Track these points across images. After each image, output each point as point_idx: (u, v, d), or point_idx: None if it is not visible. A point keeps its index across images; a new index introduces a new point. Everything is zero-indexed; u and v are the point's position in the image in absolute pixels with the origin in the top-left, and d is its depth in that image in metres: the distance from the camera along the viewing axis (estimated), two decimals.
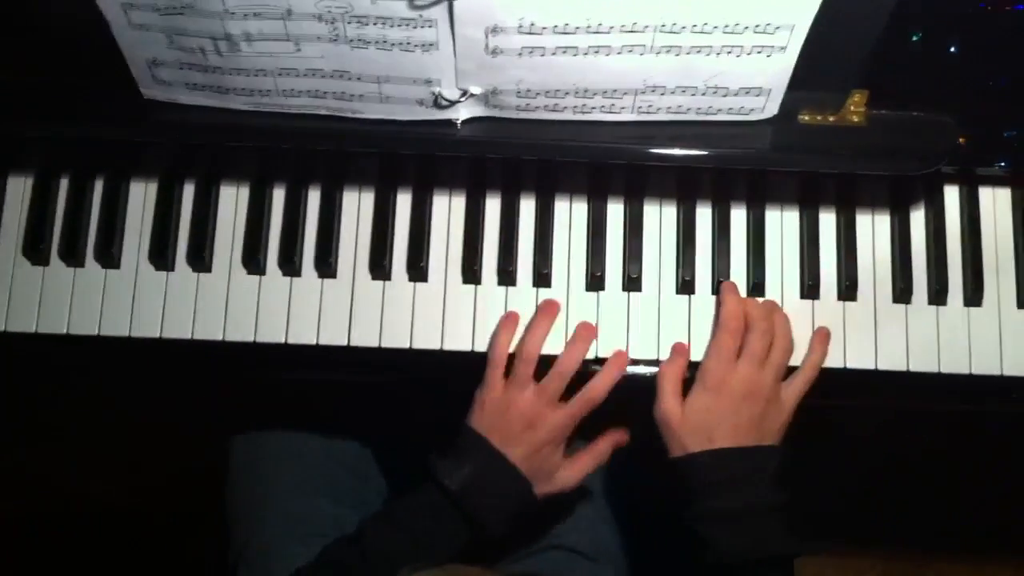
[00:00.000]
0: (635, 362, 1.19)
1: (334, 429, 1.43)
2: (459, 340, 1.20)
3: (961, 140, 1.11)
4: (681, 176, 1.22)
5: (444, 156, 1.19)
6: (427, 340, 1.19)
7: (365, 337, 1.19)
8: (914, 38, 1.10)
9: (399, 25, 0.95)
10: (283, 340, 1.19)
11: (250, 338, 1.19)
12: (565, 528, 1.33)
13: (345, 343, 1.19)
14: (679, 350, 1.17)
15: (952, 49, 1.11)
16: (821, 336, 1.17)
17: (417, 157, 1.21)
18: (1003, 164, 1.14)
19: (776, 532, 1.07)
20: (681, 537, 1.11)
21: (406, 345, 1.19)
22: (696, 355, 1.17)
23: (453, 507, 1.08)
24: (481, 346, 1.19)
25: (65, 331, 1.19)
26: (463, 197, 1.22)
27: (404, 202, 1.22)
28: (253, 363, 1.21)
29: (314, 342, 1.19)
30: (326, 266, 1.19)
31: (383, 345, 1.19)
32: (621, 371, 1.17)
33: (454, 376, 1.22)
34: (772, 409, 1.12)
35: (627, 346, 1.18)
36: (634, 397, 1.16)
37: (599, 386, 1.15)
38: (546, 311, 1.17)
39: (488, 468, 1.10)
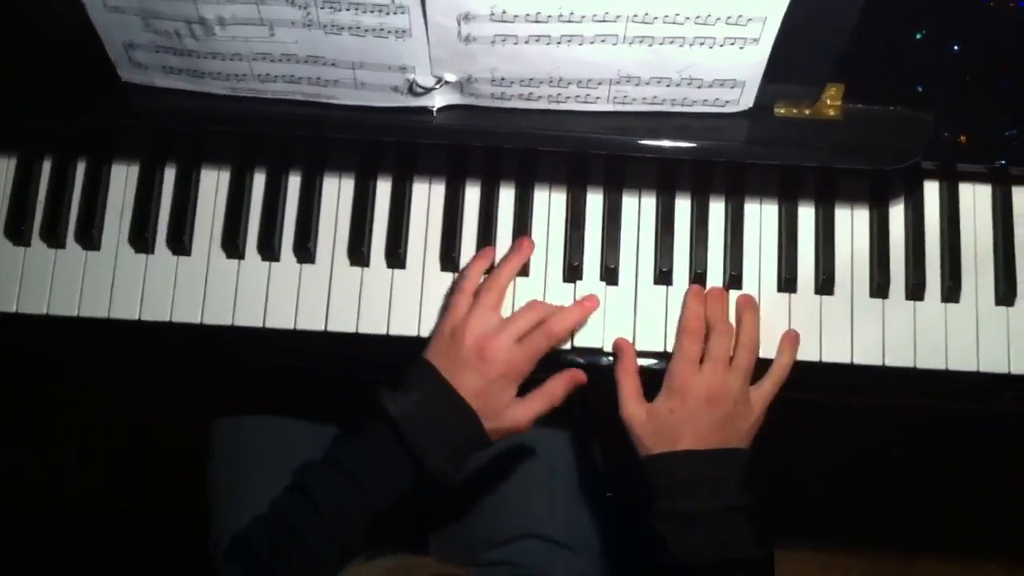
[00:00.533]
0: (610, 354, 1.18)
1: (315, 417, 1.43)
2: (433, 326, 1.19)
3: (962, 139, 1.11)
4: (660, 167, 1.23)
5: (423, 144, 1.20)
6: (405, 327, 1.20)
7: (342, 323, 1.20)
8: (918, 36, 1.09)
9: (371, 11, 0.95)
10: (260, 324, 1.20)
11: (228, 321, 1.20)
12: (540, 517, 1.33)
13: (322, 328, 1.20)
14: (621, 346, 1.17)
15: (924, 40, 1.11)
16: (790, 339, 1.17)
17: (396, 144, 1.22)
18: (1003, 162, 1.13)
19: (737, 535, 1.07)
20: (645, 534, 1.12)
21: (383, 331, 1.20)
22: (656, 346, 1.16)
23: (394, 438, 1.05)
24: None
25: (45, 312, 1.19)
26: (443, 185, 1.22)
27: (384, 189, 1.23)
28: (233, 347, 1.21)
29: (291, 327, 1.20)
30: (305, 251, 1.20)
31: (360, 331, 1.19)
32: (586, 314, 1.17)
33: None
34: (739, 411, 1.13)
35: (603, 338, 1.18)
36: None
37: (562, 320, 1.14)
38: (519, 250, 1.18)
39: (433, 396, 1.07)
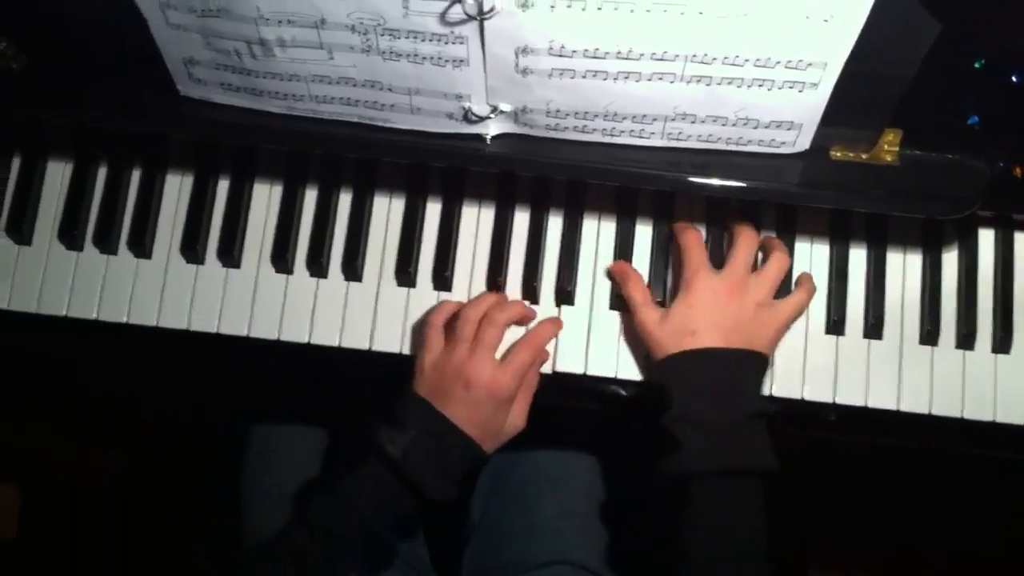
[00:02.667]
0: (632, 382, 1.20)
1: (349, 429, 1.43)
2: None
3: (1017, 171, 1.08)
4: (710, 202, 1.21)
5: (473, 170, 1.19)
6: None
7: (387, 342, 1.20)
8: (976, 64, 1.07)
9: (430, 40, 0.96)
10: (306, 340, 1.20)
11: (274, 336, 1.20)
12: (572, 543, 1.33)
13: (367, 347, 1.20)
14: (621, 268, 1.18)
15: (983, 85, 1.09)
16: (807, 276, 1.17)
17: (447, 169, 1.22)
18: None
19: (756, 444, 1.04)
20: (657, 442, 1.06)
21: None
22: None
23: (395, 474, 1.05)
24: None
25: (95, 317, 1.20)
26: (492, 210, 1.22)
27: (433, 211, 1.23)
28: (277, 361, 1.22)
29: (336, 344, 1.20)
30: (352, 269, 1.20)
31: (404, 352, 1.20)
32: (559, 327, 1.18)
33: None
34: (763, 315, 1.09)
35: (616, 366, 1.20)
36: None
37: (541, 332, 1.15)
38: (533, 318, 1.18)
39: (430, 430, 1.07)
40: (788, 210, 1.21)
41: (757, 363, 1.09)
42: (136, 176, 1.24)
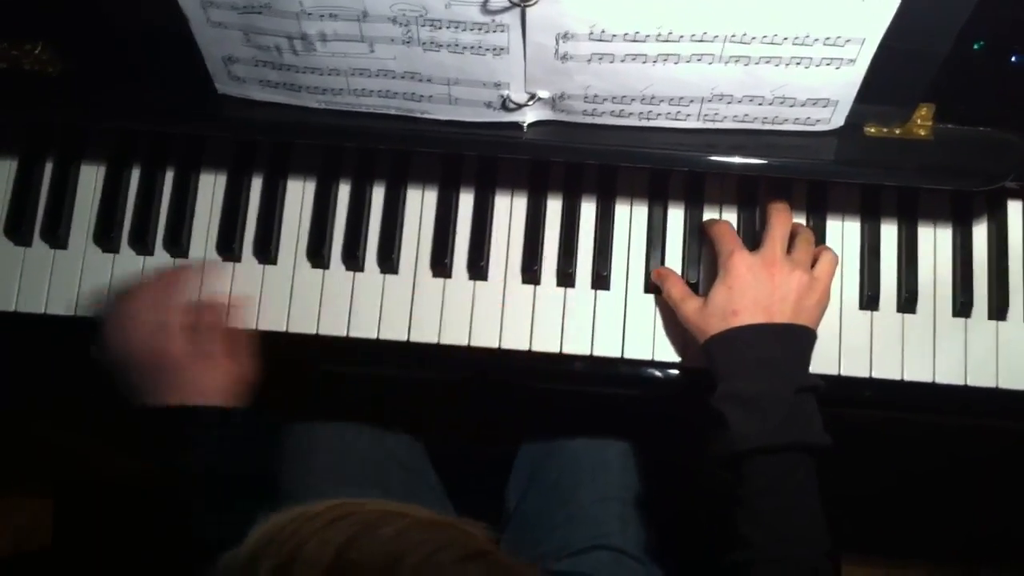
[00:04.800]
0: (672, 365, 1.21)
1: (386, 422, 1.44)
2: (517, 339, 1.21)
3: None
4: (741, 183, 1.22)
5: (506, 159, 1.20)
6: (486, 339, 1.20)
7: (424, 333, 1.21)
8: (975, 47, 1.08)
9: (471, 29, 0.96)
10: (344, 333, 1.21)
11: (312, 330, 1.21)
12: (611, 530, 1.34)
13: (405, 339, 1.21)
14: (660, 272, 1.19)
15: (1016, 63, 1.10)
16: (823, 246, 1.17)
17: (480, 158, 1.22)
18: None
19: (806, 419, 1.03)
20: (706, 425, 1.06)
21: (464, 343, 1.20)
22: None
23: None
24: (538, 345, 1.20)
25: None
26: (524, 198, 1.23)
27: (466, 202, 1.24)
28: (315, 355, 1.23)
29: (375, 336, 1.21)
30: (388, 262, 1.21)
31: (442, 342, 1.20)
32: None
33: (508, 374, 1.23)
34: (804, 284, 1.08)
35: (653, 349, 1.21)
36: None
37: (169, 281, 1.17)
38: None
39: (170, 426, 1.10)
40: (819, 188, 1.23)
41: (803, 336, 1.09)
42: (170, 176, 1.24)
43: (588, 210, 1.23)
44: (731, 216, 1.23)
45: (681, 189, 1.23)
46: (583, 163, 1.21)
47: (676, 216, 1.23)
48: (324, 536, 0.68)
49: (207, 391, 1.10)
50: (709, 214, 1.23)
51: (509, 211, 1.24)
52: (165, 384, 1.10)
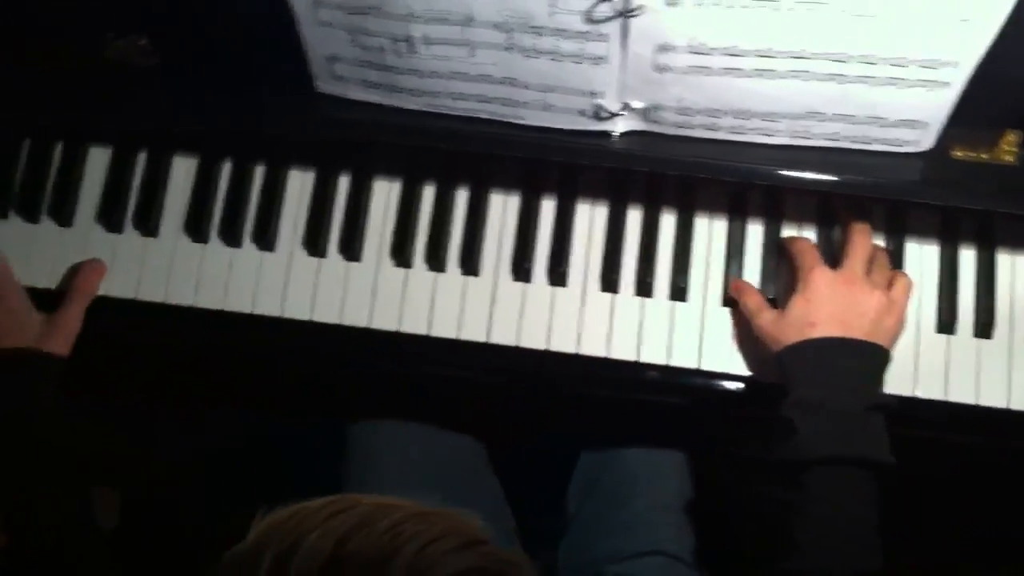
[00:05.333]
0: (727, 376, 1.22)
1: (449, 424, 1.45)
2: (593, 345, 1.22)
3: None
4: (821, 202, 1.24)
5: (588, 167, 1.22)
6: (564, 343, 1.22)
7: (503, 336, 1.23)
8: None
9: (573, 38, 0.99)
10: (426, 332, 1.23)
11: (394, 327, 1.23)
12: (667, 536, 1.35)
13: (484, 340, 1.23)
14: (737, 285, 1.20)
15: None
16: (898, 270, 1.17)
17: (563, 165, 1.24)
18: None
19: (875, 435, 1.04)
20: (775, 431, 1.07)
21: (542, 347, 1.22)
22: None
23: None
24: (615, 353, 1.21)
25: (220, 308, 1.24)
26: (606, 206, 1.25)
27: (548, 208, 1.26)
28: (393, 354, 1.25)
29: (455, 336, 1.23)
30: (471, 264, 1.23)
31: (521, 344, 1.22)
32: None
33: (583, 382, 1.25)
34: (882, 304, 1.09)
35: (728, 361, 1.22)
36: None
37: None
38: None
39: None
40: (898, 209, 1.23)
41: (878, 355, 1.10)
42: (260, 171, 1.27)
43: (668, 221, 1.25)
44: (809, 234, 1.24)
45: (761, 204, 1.24)
46: (665, 174, 1.22)
47: (755, 231, 1.24)
48: (324, 529, 0.71)
49: None
50: (788, 231, 1.24)
51: (590, 218, 1.25)
52: None
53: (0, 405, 1.11)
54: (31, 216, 1.28)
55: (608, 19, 0.95)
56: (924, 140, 1.06)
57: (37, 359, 1.16)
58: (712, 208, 1.25)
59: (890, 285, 1.14)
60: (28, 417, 1.14)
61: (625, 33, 0.97)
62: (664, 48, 0.98)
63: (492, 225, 1.25)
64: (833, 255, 1.21)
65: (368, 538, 0.72)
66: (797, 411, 1.06)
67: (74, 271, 1.22)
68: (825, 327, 1.09)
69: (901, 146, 1.07)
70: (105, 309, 1.25)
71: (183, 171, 1.29)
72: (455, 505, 1.30)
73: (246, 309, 1.25)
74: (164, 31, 1.12)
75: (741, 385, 1.23)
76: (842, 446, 1.05)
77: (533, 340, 1.23)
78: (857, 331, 1.09)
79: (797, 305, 1.12)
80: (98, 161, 1.29)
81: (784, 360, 1.11)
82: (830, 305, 1.10)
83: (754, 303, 1.16)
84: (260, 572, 0.70)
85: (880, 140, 1.06)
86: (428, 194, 1.27)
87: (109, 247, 1.27)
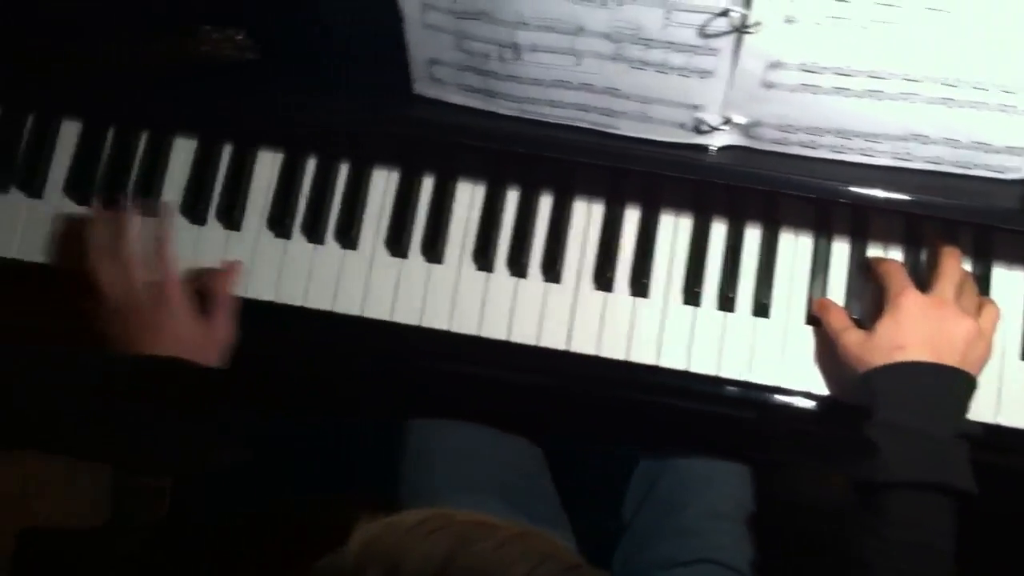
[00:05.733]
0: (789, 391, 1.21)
1: (508, 428, 1.45)
2: (674, 358, 1.22)
3: None
4: (909, 223, 1.22)
5: (672, 179, 1.21)
6: (644, 355, 1.22)
7: (583, 344, 1.23)
8: None
9: (682, 51, 0.98)
10: (505, 337, 1.22)
11: (474, 331, 1.23)
12: (721, 543, 1.34)
13: (564, 348, 1.22)
14: (821, 302, 1.19)
15: None
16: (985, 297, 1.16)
17: (648, 175, 1.23)
18: None
19: (959, 464, 1.02)
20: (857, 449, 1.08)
21: (623, 357, 1.22)
22: None
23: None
24: (696, 367, 1.21)
25: (301, 304, 1.24)
26: (690, 219, 1.25)
27: (632, 217, 1.25)
28: (471, 356, 1.25)
29: (534, 343, 1.22)
30: (553, 272, 1.23)
31: (601, 354, 1.22)
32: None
33: (662, 393, 1.24)
34: (972, 332, 1.08)
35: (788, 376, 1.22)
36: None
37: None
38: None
39: (131, 370, 1.14)
40: (986, 235, 1.22)
41: (966, 383, 1.09)
42: (344, 169, 1.27)
43: (752, 236, 1.24)
44: (896, 254, 1.23)
45: (848, 223, 1.23)
46: (751, 188, 1.21)
47: (841, 250, 1.23)
48: (425, 550, 0.70)
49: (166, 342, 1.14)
50: (874, 250, 1.23)
51: (673, 231, 1.25)
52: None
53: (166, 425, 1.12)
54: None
55: (722, 34, 0.94)
56: None
57: (189, 370, 1.14)
58: (797, 224, 1.24)
59: (978, 312, 1.12)
60: (195, 440, 1.14)
61: (737, 49, 0.96)
62: (775, 65, 0.97)
63: (575, 233, 1.25)
64: (919, 277, 1.19)
65: (472, 561, 0.71)
66: (884, 432, 1.05)
67: (211, 276, 1.21)
68: (915, 351, 1.08)
69: (1003, 172, 1.06)
70: None
71: (267, 166, 1.28)
72: (514, 511, 1.32)
73: (326, 306, 1.24)
74: (263, 25, 1.11)
75: (815, 403, 1.22)
76: (928, 471, 1.04)
77: (613, 350, 1.23)
78: (947, 357, 1.08)
79: (886, 327, 1.10)
80: (182, 153, 1.29)
81: (872, 381, 1.10)
82: (921, 330, 1.09)
83: (839, 322, 1.15)
84: None
85: (982, 166, 1.05)
86: (512, 199, 1.26)
87: (191, 240, 1.26)
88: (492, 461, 1.43)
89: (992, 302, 1.15)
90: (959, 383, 1.09)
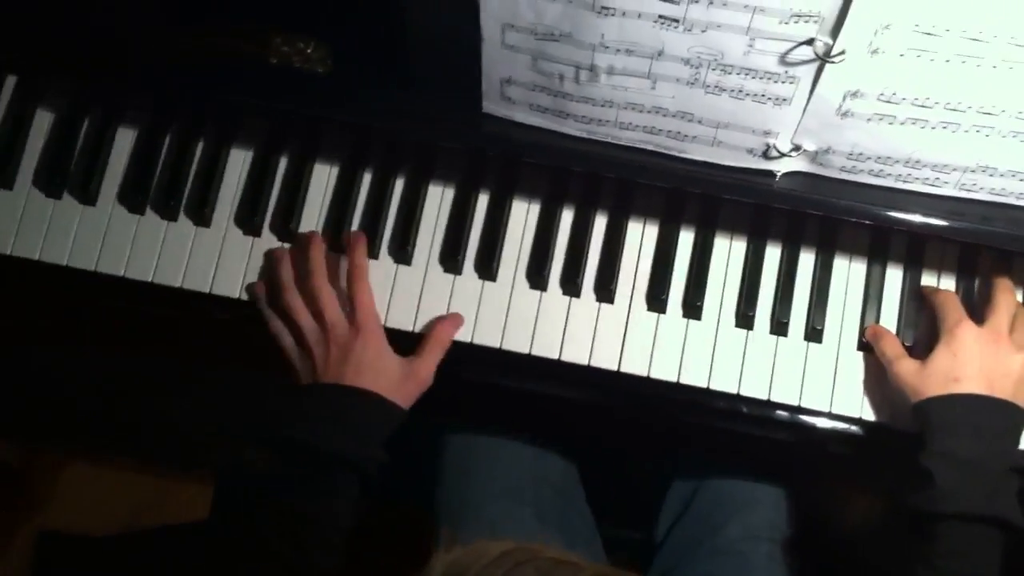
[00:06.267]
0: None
1: (544, 443, 1.45)
2: (726, 382, 1.23)
3: None
4: (963, 253, 1.23)
5: (729, 202, 1.22)
6: (695, 377, 1.23)
7: (636, 366, 1.23)
8: None
9: (761, 78, 0.98)
10: (557, 356, 1.23)
11: (525, 349, 1.23)
12: (757, 564, 1.35)
13: (616, 369, 1.23)
14: (874, 329, 1.19)
15: None
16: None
17: (703, 197, 1.24)
18: None
19: (1011, 495, 1.03)
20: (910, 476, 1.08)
21: (674, 379, 1.22)
22: None
23: (315, 457, 1.09)
24: (746, 390, 1.23)
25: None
26: (744, 242, 1.25)
27: (686, 240, 1.25)
28: (520, 373, 1.25)
29: (585, 362, 1.23)
30: (606, 292, 1.23)
31: (652, 376, 1.22)
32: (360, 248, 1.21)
33: (709, 415, 1.25)
34: None
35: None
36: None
37: (354, 264, 1.20)
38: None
39: (325, 401, 1.12)
40: None
41: (1020, 417, 1.10)
42: (400, 184, 1.27)
43: (807, 260, 1.25)
44: (949, 283, 1.24)
45: (903, 250, 1.24)
46: (806, 213, 1.22)
47: (894, 276, 1.24)
48: None
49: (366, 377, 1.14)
50: (928, 279, 1.24)
51: (727, 253, 1.25)
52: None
53: (340, 447, 1.10)
54: (167, 212, 1.28)
55: (805, 63, 0.95)
56: None
57: (387, 409, 1.14)
58: (852, 250, 1.25)
59: None
60: (363, 467, 1.12)
61: (817, 77, 0.96)
62: (854, 95, 0.97)
63: (628, 254, 1.25)
64: (972, 307, 1.19)
65: None
66: (939, 463, 1.06)
67: (434, 321, 1.21)
68: (970, 383, 1.09)
69: None
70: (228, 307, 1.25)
71: (323, 177, 1.28)
72: (548, 527, 1.32)
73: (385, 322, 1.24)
74: (334, 35, 1.11)
75: (864, 429, 1.22)
76: (982, 504, 1.04)
77: (664, 372, 1.23)
78: (1001, 390, 1.09)
79: (942, 357, 1.11)
80: (237, 164, 1.28)
81: (926, 411, 1.10)
82: (976, 361, 1.10)
83: (893, 350, 1.16)
84: None
85: None
86: (566, 218, 1.26)
87: (244, 248, 1.26)
88: (528, 475, 1.43)
89: None
90: (1013, 417, 1.10)
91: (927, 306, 1.19)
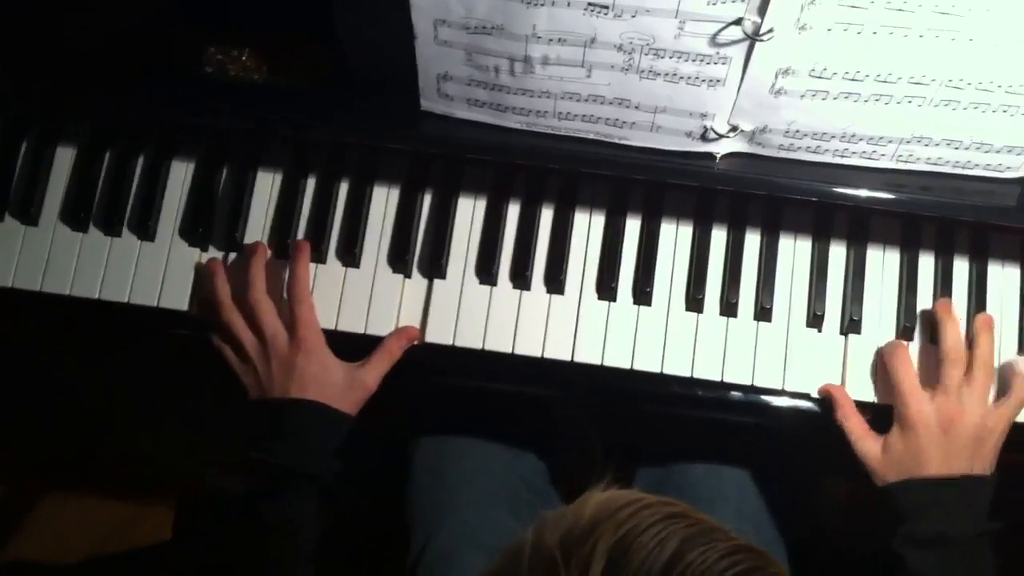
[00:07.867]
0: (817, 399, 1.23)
1: (515, 442, 1.45)
2: (679, 366, 1.23)
3: None
4: (906, 224, 1.25)
5: (672, 188, 1.22)
6: (648, 363, 1.22)
7: (589, 355, 1.23)
8: None
9: (694, 60, 0.99)
10: (510, 350, 1.23)
11: (479, 345, 1.23)
12: None
13: (568, 359, 1.22)
14: (833, 393, 1.19)
15: None
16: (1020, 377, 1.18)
17: (648, 184, 1.24)
18: None
19: (983, 561, 1.07)
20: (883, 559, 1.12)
21: (627, 366, 1.22)
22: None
23: (269, 471, 1.11)
24: (702, 372, 1.22)
25: (334, 327, 1.25)
26: (690, 227, 1.26)
27: (633, 227, 1.26)
28: (474, 371, 1.25)
29: (539, 355, 1.23)
30: (556, 283, 1.23)
31: (605, 364, 1.23)
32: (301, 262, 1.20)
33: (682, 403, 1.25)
34: (981, 434, 1.11)
35: (843, 384, 1.22)
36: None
37: (295, 278, 1.20)
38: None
39: (272, 415, 1.14)
40: (980, 234, 1.24)
41: (982, 487, 1.13)
42: (344, 187, 1.27)
43: (752, 241, 1.26)
44: (894, 257, 1.25)
45: (846, 226, 1.25)
46: (749, 194, 1.23)
47: (838, 253, 1.26)
48: (660, 530, 0.71)
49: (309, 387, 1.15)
50: (873, 253, 1.25)
51: (674, 239, 1.26)
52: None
53: (291, 461, 1.11)
54: (111, 229, 1.27)
55: (735, 43, 0.96)
56: None
57: (333, 417, 1.15)
58: (796, 229, 1.26)
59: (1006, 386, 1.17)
60: (317, 477, 1.13)
61: (748, 57, 0.97)
62: (785, 72, 0.98)
63: (577, 245, 1.25)
64: (914, 283, 1.22)
65: (706, 554, 0.71)
66: (907, 548, 1.10)
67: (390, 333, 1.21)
68: (929, 466, 1.12)
69: (1003, 171, 1.08)
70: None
71: (267, 184, 1.28)
72: (524, 523, 1.31)
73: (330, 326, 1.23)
74: (267, 42, 1.11)
75: (818, 406, 1.23)
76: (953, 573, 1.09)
77: (618, 359, 1.24)
78: (958, 463, 1.12)
79: (898, 446, 1.14)
80: (179, 176, 1.28)
81: (890, 496, 1.13)
82: (930, 448, 1.12)
83: (856, 428, 1.18)
84: (594, 564, 0.69)
85: (982, 165, 1.08)
86: (513, 212, 1.26)
87: (191, 261, 1.26)
88: (501, 475, 1.42)
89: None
90: (972, 489, 1.13)
91: (883, 364, 1.20)
